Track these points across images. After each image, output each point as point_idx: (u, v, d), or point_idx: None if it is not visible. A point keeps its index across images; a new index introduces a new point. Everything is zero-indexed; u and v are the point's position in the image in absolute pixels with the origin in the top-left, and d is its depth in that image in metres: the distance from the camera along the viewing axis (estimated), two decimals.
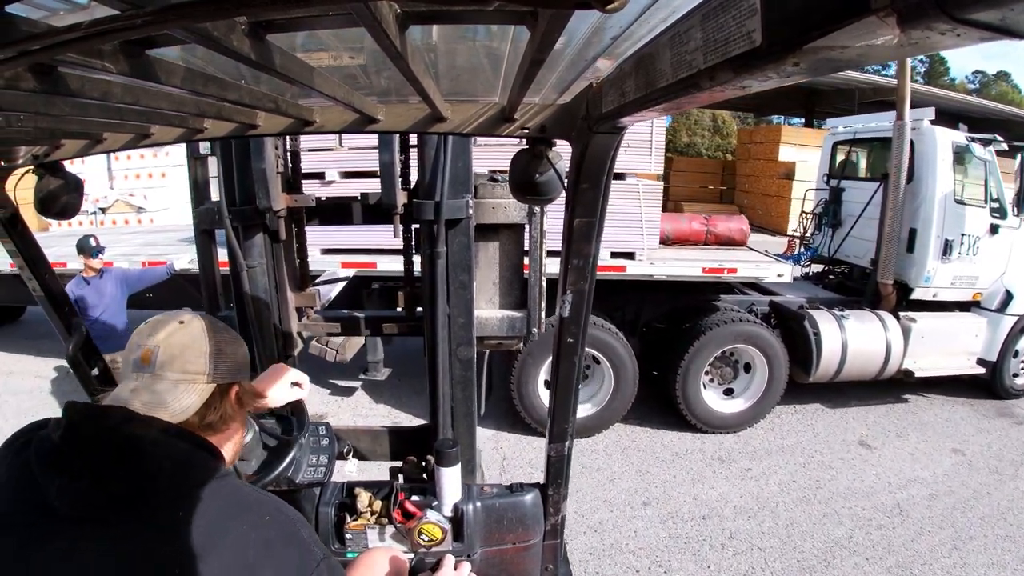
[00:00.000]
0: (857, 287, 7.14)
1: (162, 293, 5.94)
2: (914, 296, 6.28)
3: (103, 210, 10.12)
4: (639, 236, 5.83)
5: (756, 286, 6.87)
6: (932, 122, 6.24)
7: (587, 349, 4.74)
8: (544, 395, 5.47)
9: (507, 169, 1.41)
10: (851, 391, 6.63)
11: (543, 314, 3.05)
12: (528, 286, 2.99)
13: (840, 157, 7.73)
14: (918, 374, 6.17)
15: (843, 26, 0.43)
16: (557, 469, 1.99)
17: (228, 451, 1.12)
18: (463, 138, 2.38)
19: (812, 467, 5.33)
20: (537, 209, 2.84)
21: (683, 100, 0.78)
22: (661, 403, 6.10)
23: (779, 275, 5.92)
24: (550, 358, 4.81)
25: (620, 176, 5.67)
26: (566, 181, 1.36)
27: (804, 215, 8.18)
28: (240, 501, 0.97)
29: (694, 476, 5.16)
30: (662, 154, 5.91)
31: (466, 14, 0.89)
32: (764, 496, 4.88)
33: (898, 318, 6.15)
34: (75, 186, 1.67)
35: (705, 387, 5.84)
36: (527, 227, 2.89)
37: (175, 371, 1.02)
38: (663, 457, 5.47)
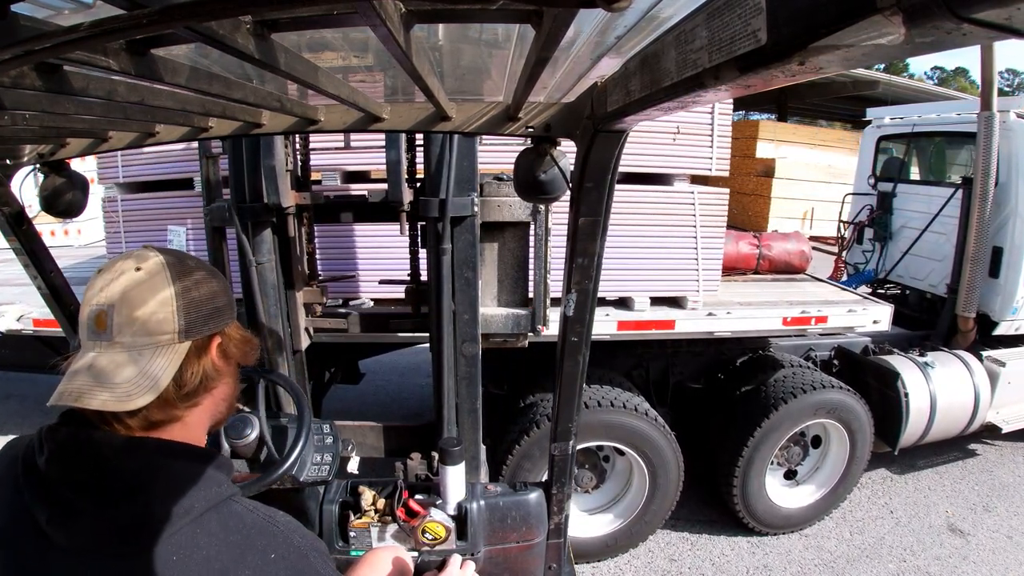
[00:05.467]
0: (918, 316, 5.84)
1: None
2: (998, 331, 5.06)
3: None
4: (693, 272, 3.90)
5: None
6: (1020, 116, 4.98)
7: (606, 442, 3.81)
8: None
9: (511, 168, 1.41)
10: (915, 448, 5.32)
11: (547, 312, 3.05)
12: (533, 284, 2.99)
13: (889, 155, 6.37)
14: (1005, 429, 4.98)
15: (849, 25, 0.43)
16: (561, 468, 1.99)
17: (222, 411, 0.99)
18: (469, 137, 2.38)
19: None
20: (542, 207, 2.84)
21: (688, 99, 0.77)
22: (699, 491, 4.59)
23: (875, 322, 4.30)
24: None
25: (662, 179, 3.87)
26: (570, 180, 1.36)
27: (843, 224, 6.75)
28: (243, 539, 0.85)
29: None
30: (728, 150, 4.04)
31: (471, 13, 0.89)
32: None
33: (980, 359, 4.96)
34: (80, 185, 1.68)
35: (767, 474, 4.25)
36: (532, 225, 2.89)
37: (137, 335, 0.83)
38: None
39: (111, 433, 0.84)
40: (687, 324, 3.86)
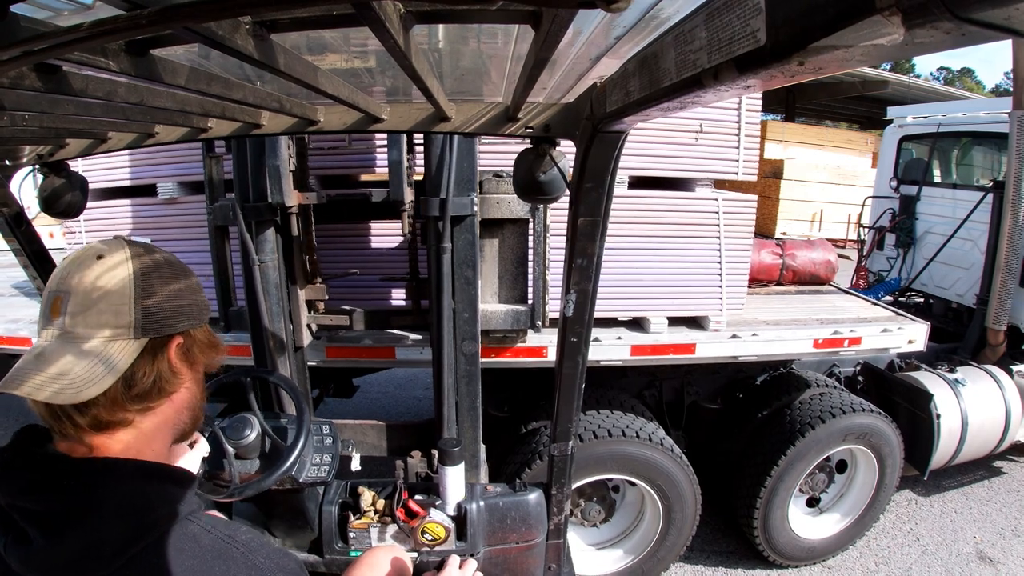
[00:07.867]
0: (943, 327, 5.49)
1: None
2: None
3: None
4: (716, 289, 3.47)
5: None
6: None
7: (617, 475, 3.47)
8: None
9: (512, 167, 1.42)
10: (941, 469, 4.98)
11: (547, 307, 3.05)
12: (532, 280, 2.99)
13: (912, 156, 6.07)
14: None
15: (848, 25, 0.43)
16: (560, 469, 1.99)
17: (185, 421, 0.93)
18: (469, 137, 2.39)
19: None
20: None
21: (687, 99, 0.77)
22: (714, 519, 4.27)
23: (910, 342, 3.92)
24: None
25: (682, 184, 3.47)
26: (569, 180, 1.36)
27: (863, 229, 6.41)
28: (200, 564, 0.80)
29: None
30: (756, 151, 3.56)
31: (470, 13, 0.89)
32: None
33: (1011, 374, 4.66)
34: (80, 185, 1.68)
35: (790, 504, 3.89)
36: (531, 222, 2.89)
37: (89, 326, 0.79)
38: None
39: (57, 454, 0.82)
40: (709, 348, 3.45)
